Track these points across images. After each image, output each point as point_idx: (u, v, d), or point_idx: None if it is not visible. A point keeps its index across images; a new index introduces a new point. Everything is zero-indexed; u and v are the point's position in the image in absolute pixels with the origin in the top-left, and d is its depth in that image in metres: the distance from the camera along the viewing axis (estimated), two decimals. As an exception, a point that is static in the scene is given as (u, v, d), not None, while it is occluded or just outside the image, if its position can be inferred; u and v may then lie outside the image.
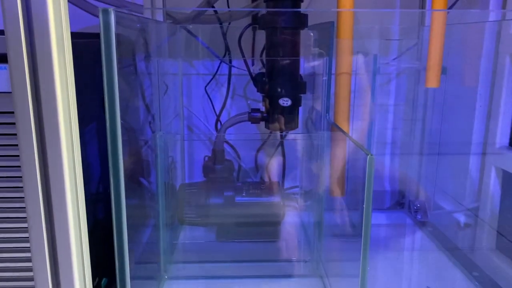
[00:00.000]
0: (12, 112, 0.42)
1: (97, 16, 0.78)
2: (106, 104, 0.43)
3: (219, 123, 0.91)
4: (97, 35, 0.49)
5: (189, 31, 0.84)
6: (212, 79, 0.90)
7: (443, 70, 0.70)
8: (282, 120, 0.73)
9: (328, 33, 0.67)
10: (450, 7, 0.77)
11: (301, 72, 0.74)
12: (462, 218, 0.80)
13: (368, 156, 0.40)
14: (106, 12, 0.39)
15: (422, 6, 0.82)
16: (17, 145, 0.42)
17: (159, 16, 0.80)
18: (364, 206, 0.40)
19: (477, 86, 0.76)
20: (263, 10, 0.81)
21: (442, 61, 0.69)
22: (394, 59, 0.85)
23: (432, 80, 0.68)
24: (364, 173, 0.44)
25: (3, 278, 0.49)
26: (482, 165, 0.77)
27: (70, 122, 0.44)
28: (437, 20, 0.66)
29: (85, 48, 0.55)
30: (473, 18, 0.76)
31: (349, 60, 0.72)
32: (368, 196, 0.40)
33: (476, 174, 0.78)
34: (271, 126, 0.75)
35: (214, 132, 0.91)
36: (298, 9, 0.69)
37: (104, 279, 0.61)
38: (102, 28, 0.40)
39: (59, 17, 0.42)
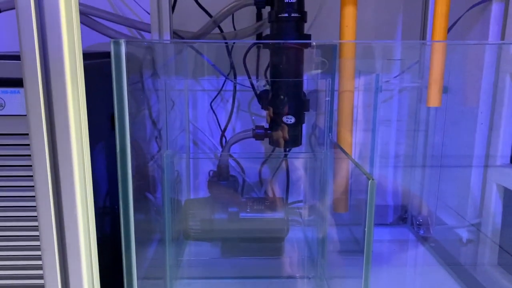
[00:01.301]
0: (26, 134, 0.44)
1: (108, 36, 0.80)
2: (117, 129, 0.45)
3: (224, 138, 0.93)
4: (105, 54, 0.50)
5: (195, 49, 0.86)
6: (217, 95, 0.92)
7: (444, 89, 0.71)
8: (286, 137, 0.75)
9: (331, 52, 0.69)
10: (451, 27, 0.79)
11: (305, 87, 0.75)
12: (464, 234, 0.81)
13: (370, 181, 0.41)
14: (117, 44, 0.41)
15: (424, 26, 0.84)
16: (30, 165, 0.44)
17: (166, 35, 0.82)
18: (366, 229, 0.42)
19: (478, 104, 0.77)
20: (267, 30, 0.83)
21: (443, 81, 0.70)
22: (395, 77, 0.86)
23: (434, 100, 0.70)
24: (366, 195, 0.45)
25: (15, 286, 0.51)
26: (483, 182, 0.78)
27: (82, 143, 0.45)
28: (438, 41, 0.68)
29: (94, 68, 0.56)
30: (474, 40, 0.77)
31: (352, 78, 0.73)
32: (369, 221, 0.41)
33: (478, 191, 0.79)
34: (275, 143, 0.76)
35: (219, 148, 0.92)
36: (301, 41, 0.70)
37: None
38: (113, 59, 0.42)
39: (72, 42, 0.44)
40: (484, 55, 0.74)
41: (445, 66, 0.69)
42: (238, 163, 0.93)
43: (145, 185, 0.65)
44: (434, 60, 0.69)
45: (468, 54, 0.79)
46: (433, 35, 0.69)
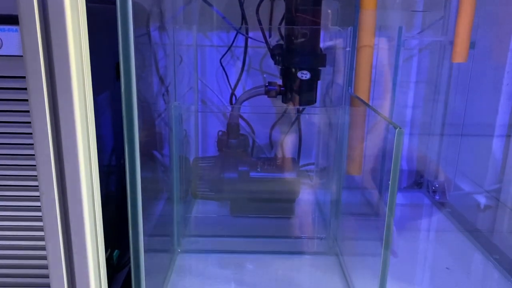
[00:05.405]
0: (24, 77, 0.40)
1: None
2: (122, 73, 0.41)
3: (234, 96, 0.89)
4: (111, 1, 0.46)
5: (204, 0, 0.81)
6: (227, 51, 0.87)
7: (472, 45, 0.67)
8: (300, 94, 0.71)
9: (351, 3, 0.64)
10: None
11: (321, 44, 0.71)
12: (482, 200, 0.78)
13: (397, 130, 0.38)
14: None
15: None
16: (28, 111, 0.41)
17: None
18: (390, 182, 0.39)
19: (505, 63, 0.72)
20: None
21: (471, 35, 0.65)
22: (419, 32, 0.81)
23: (460, 55, 0.65)
24: (390, 148, 0.42)
25: (15, 247, 0.49)
26: (505, 147, 0.74)
27: (84, 88, 0.42)
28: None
29: (99, 13, 0.53)
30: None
31: (372, 32, 0.68)
32: (394, 172, 0.38)
33: (499, 156, 0.75)
34: (288, 100, 0.72)
35: (229, 106, 0.89)
36: None
37: (116, 251, 0.60)
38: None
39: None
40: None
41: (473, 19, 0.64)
42: (248, 123, 0.90)
43: (152, 141, 0.63)
44: (462, 12, 0.64)
45: (497, 7, 0.73)
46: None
